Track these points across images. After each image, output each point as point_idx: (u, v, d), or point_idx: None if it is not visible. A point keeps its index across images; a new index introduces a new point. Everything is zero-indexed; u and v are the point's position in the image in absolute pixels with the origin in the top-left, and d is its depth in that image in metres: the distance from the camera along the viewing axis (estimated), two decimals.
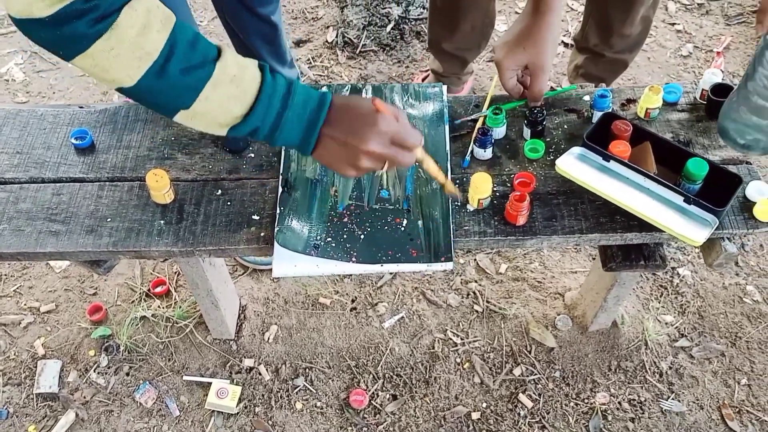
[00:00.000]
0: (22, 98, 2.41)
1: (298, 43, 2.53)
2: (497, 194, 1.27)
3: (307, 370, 1.77)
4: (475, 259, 1.97)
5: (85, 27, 0.84)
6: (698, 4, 2.64)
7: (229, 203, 1.28)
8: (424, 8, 2.59)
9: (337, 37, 2.53)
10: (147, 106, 0.95)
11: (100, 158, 1.34)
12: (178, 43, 0.89)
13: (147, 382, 1.75)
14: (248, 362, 1.78)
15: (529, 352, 1.79)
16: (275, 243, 1.19)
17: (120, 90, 0.91)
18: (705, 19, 2.59)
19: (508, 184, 1.29)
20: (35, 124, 1.40)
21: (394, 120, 1.01)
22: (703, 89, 1.38)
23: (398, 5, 2.60)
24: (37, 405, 1.73)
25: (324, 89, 1.41)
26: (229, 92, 0.94)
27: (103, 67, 0.88)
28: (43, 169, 1.33)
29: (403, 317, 1.86)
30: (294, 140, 1.00)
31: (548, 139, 1.36)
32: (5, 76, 2.48)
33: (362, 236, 1.21)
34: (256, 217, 1.25)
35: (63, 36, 0.84)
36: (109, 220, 1.25)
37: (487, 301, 1.88)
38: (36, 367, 1.78)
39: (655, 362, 1.77)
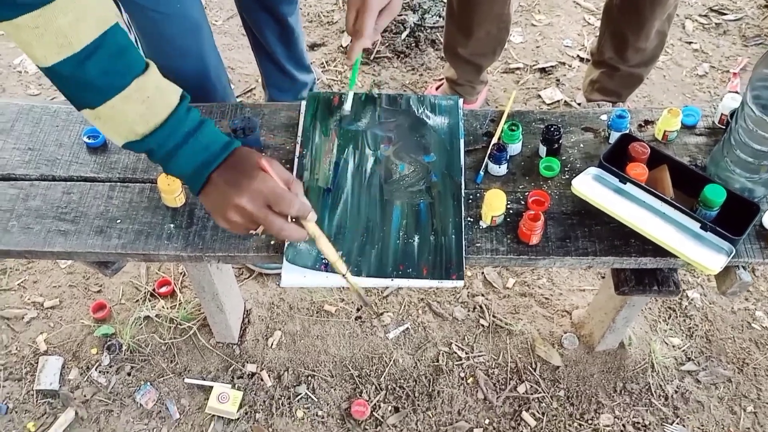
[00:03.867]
0: (35, 90, 2.41)
1: (313, 47, 2.52)
2: (510, 211, 1.26)
3: (309, 378, 1.76)
4: (482, 272, 1.95)
5: None
6: (716, 24, 2.62)
7: None
8: (440, 16, 2.58)
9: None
10: (58, 89, 0.96)
11: (111, 158, 1.33)
12: (105, 45, 0.90)
13: (148, 383, 1.74)
14: (251, 367, 1.77)
15: (534, 370, 1.77)
16: (284, 259, 1.18)
17: (36, 64, 0.92)
18: (722, 39, 2.57)
19: (522, 202, 1.28)
20: (48, 120, 1.40)
21: (274, 182, 0.98)
22: (722, 114, 1.37)
23: (414, 13, 2.59)
24: (36, 401, 1.72)
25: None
26: (136, 110, 0.95)
27: (24, 41, 0.88)
28: (54, 167, 1.32)
29: (408, 328, 1.85)
30: (184, 174, 1.02)
31: (564, 158, 1.34)
32: (18, 67, 2.48)
33: (373, 250, 1.20)
34: None
35: None
36: (119, 221, 1.24)
37: (494, 316, 1.87)
38: (37, 363, 1.77)
39: (661, 385, 1.75)
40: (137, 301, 1.89)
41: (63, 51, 0.88)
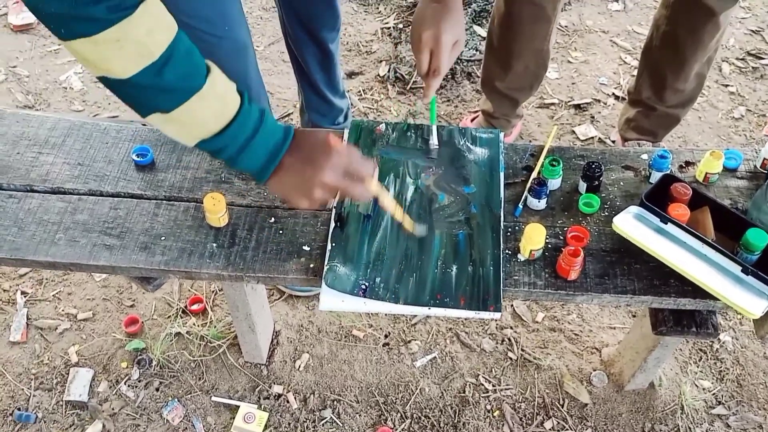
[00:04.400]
0: (79, 107, 2.47)
1: (351, 75, 2.57)
2: (549, 246, 1.27)
3: (335, 402, 1.76)
4: (511, 305, 1.95)
5: (103, 12, 0.85)
6: (753, 67, 2.62)
7: (281, 231, 1.29)
8: (476, 50, 2.61)
9: (389, 71, 2.56)
10: (123, 100, 0.97)
11: (159, 176, 1.36)
12: (177, 50, 0.93)
13: (176, 400, 1.75)
14: (277, 389, 1.78)
15: (562, 406, 1.76)
16: (323, 284, 1.19)
17: (103, 79, 0.93)
18: (759, 83, 2.57)
19: (561, 237, 1.28)
20: (98, 137, 1.43)
21: (347, 152, 1.05)
22: (765, 158, 1.37)
23: None
24: (65, 412, 1.74)
25: (382, 126, 1.43)
26: (212, 107, 0.98)
27: (103, 56, 0.89)
28: (102, 183, 1.35)
29: (435, 357, 1.84)
30: (255, 166, 1.04)
31: (603, 195, 1.35)
32: (64, 83, 2.55)
33: (411, 278, 1.21)
34: (306, 248, 1.26)
35: (76, 16, 0.85)
36: (163, 238, 1.27)
37: (522, 350, 1.86)
38: (68, 374, 1.79)
39: (690, 428, 1.73)
40: (169, 317, 1.91)
41: (142, 61, 0.90)
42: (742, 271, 1.17)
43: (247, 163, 1.03)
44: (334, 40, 1.89)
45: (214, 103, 0.97)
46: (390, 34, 2.71)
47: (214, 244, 1.27)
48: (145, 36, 0.89)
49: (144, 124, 1.45)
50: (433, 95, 1.29)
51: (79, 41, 0.88)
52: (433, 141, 1.41)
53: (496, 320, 1.91)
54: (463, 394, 1.78)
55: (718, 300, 1.17)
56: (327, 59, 1.92)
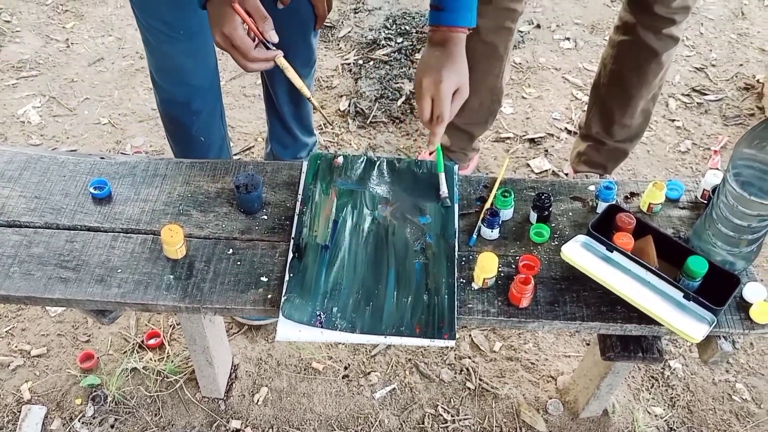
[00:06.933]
0: (36, 141, 2.45)
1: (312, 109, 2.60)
2: (501, 275, 1.30)
3: None
4: (470, 335, 1.98)
5: None
6: (698, 103, 2.74)
7: (239, 263, 1.30)
8: None
9: (349, 106, 2.61)
10: None
11: (116, 209, 1.37)
12: None
13: None
14: (235, 423, 1.76)
15: None
16: (280, 314, 1.21)
17: None
18: (704, 118, 2.69)
19: (513, 266, 1.32)
20: (55, 170, 1.44)
21: (240, 31, 1.18)
22: (704, 189, 1.43)
23: (410, 81, 2.70)
24: None
25: (340, 158, 1.46)
26: None
27: None
28: (59, 216, 1.35)
29: (394, 389, 1.85)
30: None
31: (553, 225, 1.40)
32: (22, 117, 2.53)
33: (368, 308, 1.23)
34: (264, 279, 1.27)
35: None
36: (119, 271, 1.27)
37: (480, 379, 1.88)
38: (20, 411, 1.75)
39: None
40: (125, 352, 1.88)
41: None
42: (683, 297, 1.22)
43: None
44: (307, 76, 1.92)
45: None
46: (350, 70, 2.77)
47: (171, 276, 1.27)
48: None
49: (102, 158, 1.46)
50: (438, 143, 1.33)
51: None
52: (443, 190, 1.42)
53: (453, 349, 1.93)
54: (422, 425, 1.79)
55: (662, 325, 1.21)
56: (297, 93, 1.95)
